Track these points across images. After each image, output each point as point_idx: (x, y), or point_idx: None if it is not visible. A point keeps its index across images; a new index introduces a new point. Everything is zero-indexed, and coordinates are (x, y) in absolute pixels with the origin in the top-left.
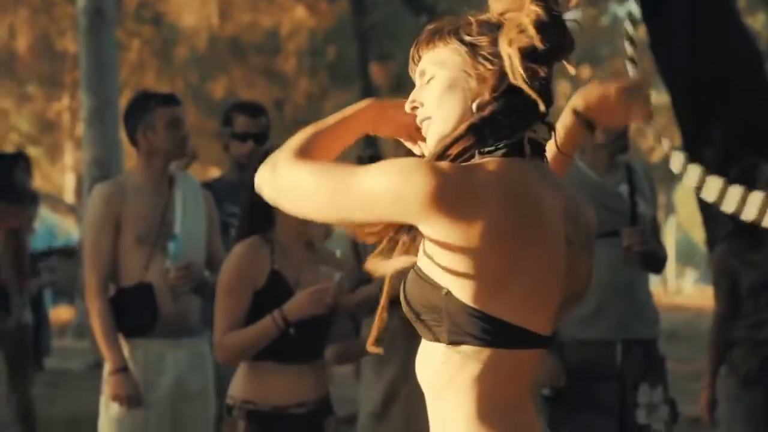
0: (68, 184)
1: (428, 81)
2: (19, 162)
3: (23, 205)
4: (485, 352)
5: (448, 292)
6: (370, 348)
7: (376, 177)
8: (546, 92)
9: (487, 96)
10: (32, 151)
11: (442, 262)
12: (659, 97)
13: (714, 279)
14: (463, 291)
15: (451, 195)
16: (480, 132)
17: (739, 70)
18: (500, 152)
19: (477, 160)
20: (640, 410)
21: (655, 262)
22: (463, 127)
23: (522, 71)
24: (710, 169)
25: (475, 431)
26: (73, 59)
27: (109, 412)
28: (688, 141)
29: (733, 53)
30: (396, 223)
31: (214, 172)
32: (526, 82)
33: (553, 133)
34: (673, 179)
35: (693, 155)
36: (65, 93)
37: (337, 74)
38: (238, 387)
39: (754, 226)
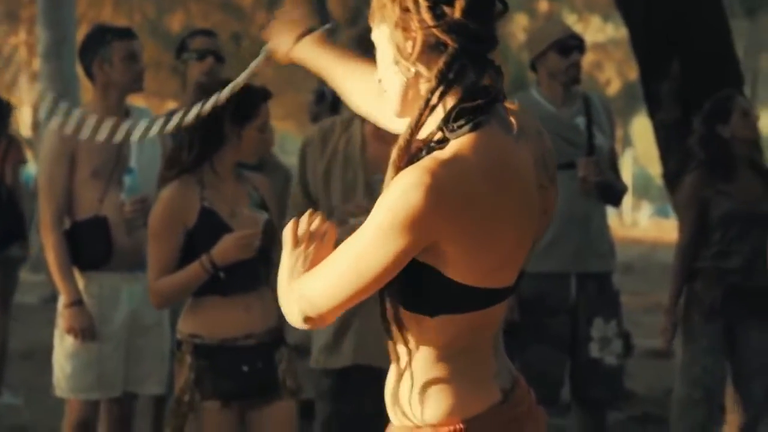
0: (25, 119)
1: (378, 53)
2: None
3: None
4: (458, 317)
5: (425, 267)
6: None
7: (385, 245)
8: (483, 35)
9: (430, 66)
10: None
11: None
12: (617, 31)
13: (680, 207)
14: (441, 267)
15: (451, 216)
16: (437, 102)
17: (697, 1)
18: (467, 127)
19: (451, 140)
20: (593, 344)
21: (613, 193)
22: (417, 114)
23: (428, 15)
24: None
25: (439, 373)
26: None
27: (63, 345)
28: (647, 75)
29: None
30: None
31: (172, 107)
32: (437, 26)
33: (501, 77)
34: (631, 112)
35: (653, 89)
36: (22, 28)
37: None
38: (185, 321)
39: (727, 156)
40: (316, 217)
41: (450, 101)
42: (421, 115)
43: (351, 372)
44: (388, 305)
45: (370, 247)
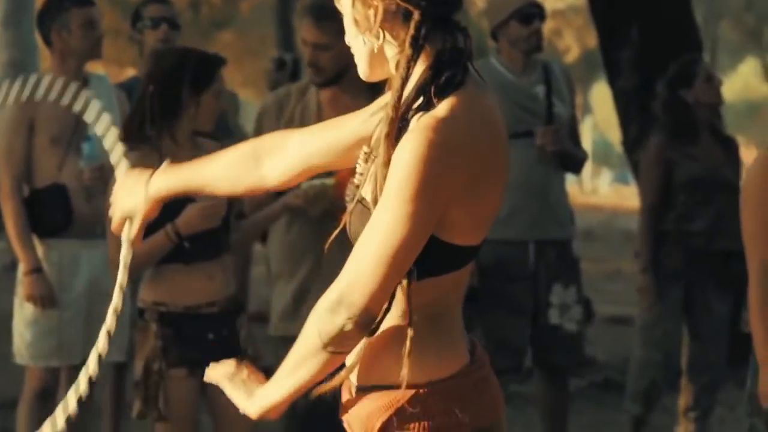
0: None
1: (344, 21)
2: None
3: None
4: (440, 278)
5: None
6: None
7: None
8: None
9: (395, 32)
10: None
11: None
12: None
13: (644, 169)
14: (437, 228)
15: (460, 171)
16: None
17: None
18: (451, 89)
19: (436, 103)
20: (552, 310)
21: (572, 161)
22: (398, 86)
23: None
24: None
25: (416, 335)
26: None
27: (23, 312)
28: (606, 41)
29: None
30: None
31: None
32: None
33: (469, 38)
34: (590, 80)
35: (612, 56)
36: None
37: None
38: (147, 290)
39: (690, 120)
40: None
41: (421, 65)
42: (402, 86)
43: None
44: None
45: (399, 224)
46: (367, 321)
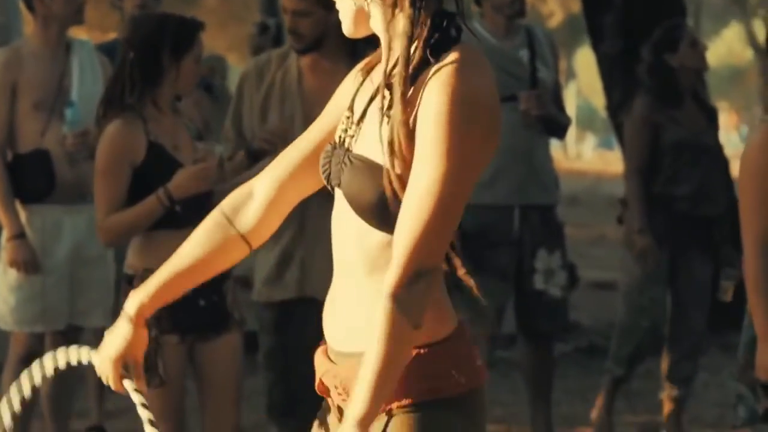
0: None
1: None
2: None
3: None
4: None
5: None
6: None
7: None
8: None
9: None
10: None
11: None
12: None
13: (631, 132)
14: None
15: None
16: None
17: None
18: (452, 45)
19: (441, 59)
20: (537, 275)
21: (556, 126)
22: (405, 47)
23: None
24: (612, 33)
25: None
26: None
27: (7, 277)
28: (589, 6)
29: None
30: None
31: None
32: None
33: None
34: (574, 44)
35: (596, 20)
36: None
37: None
38: (136, 256)
39: (674, 85)
40: None
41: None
42: (408, 45)
43: (294, 304)
44: (364, 233)
45: (451, 176)
46: (437, 281)
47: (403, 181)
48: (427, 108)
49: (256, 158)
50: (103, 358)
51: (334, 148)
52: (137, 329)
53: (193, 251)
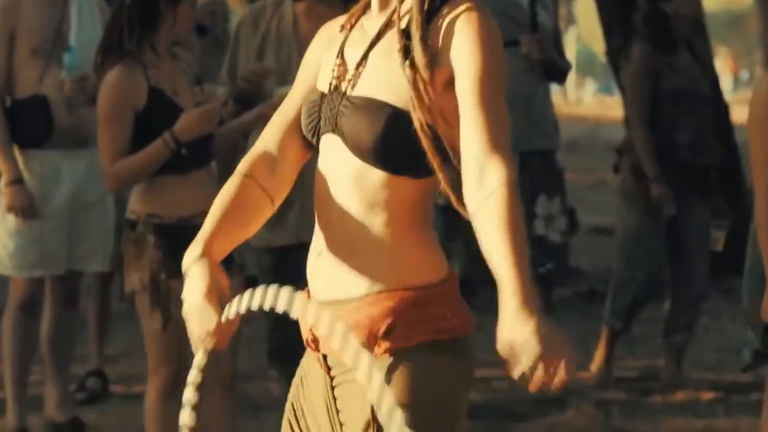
0: None
1: None
2: None
3: None
4: (431, 179)
5: (426, 126)
6: None
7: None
8: None
9: None
10: None
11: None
12: None
13: (631, 80)
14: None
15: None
16: None
17: None
18: None
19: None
20: (537, 221)
21: (557, 71)
22: None
23: None
24: None
25: (413, 237)
26: None
27: (5, 223)
28: None
29: None
30: None
31: None
32: None
33: None
34: None
35: None
36: None
37: None
38: (139, 201)
39: (669, 33)
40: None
41: None
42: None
43: (293, 249)
44: (362, 174)
45: (499, 108)
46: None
47: (426, 114)
48: (462, 49)
49: (243, 103)
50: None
51: (323, 97)
52: (216, 269)
53: (232, 215)
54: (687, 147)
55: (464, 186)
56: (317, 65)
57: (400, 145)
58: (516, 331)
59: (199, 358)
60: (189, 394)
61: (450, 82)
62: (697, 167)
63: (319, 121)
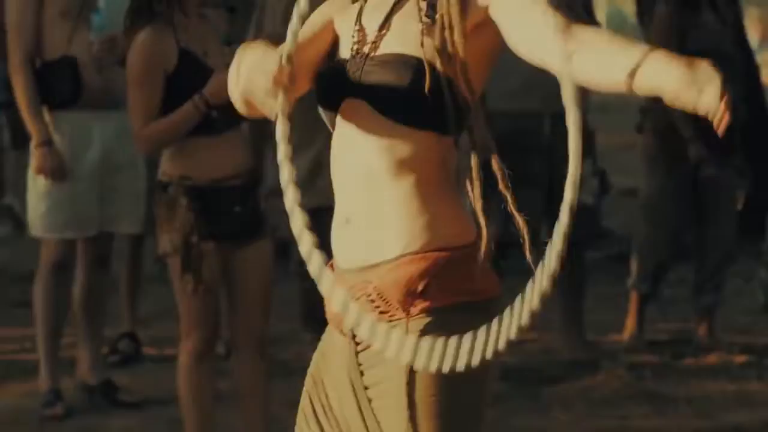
0: None
1: None
2: None
3: None
4: (451, 138)
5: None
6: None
7: None
8: None
9: None
10: None
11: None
12: None
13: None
14: (481, 69)
15: None
16: None
17: None
18: None
19: None
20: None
21: None
22: None
23: None
24: None
25: (443, 198)
26: None
27: (36, 185)
28: None
29: None
30: None
31: None
32: None
33: None
34: None
35: None
36: None
37: None
38: (172, 163)
39: None
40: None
41: None
42: None
43: (325, 211)
44: (390, 132)
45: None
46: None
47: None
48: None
49: None
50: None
51: (341, 66)
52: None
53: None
54: None
55: (549, 49)
56: (322, 25)
57: (425, 98)
58: (695, 66)
59: (281, 102)
60: (282, 150)
61: (479, 24)
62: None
63: (340, 86)
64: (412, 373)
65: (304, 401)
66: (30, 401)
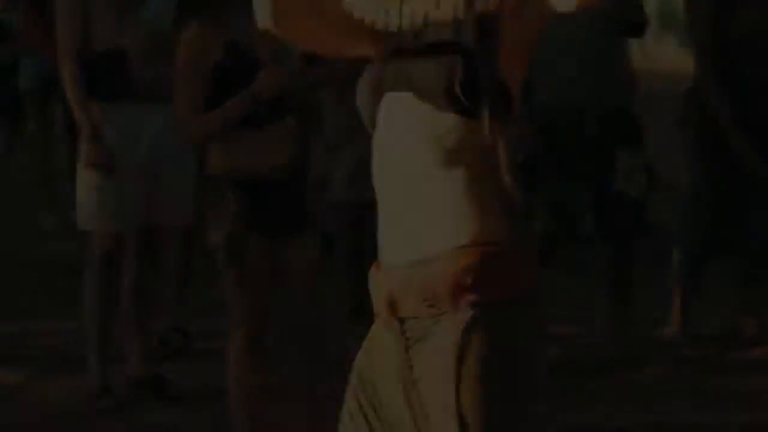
0: None
1: None
2: None
3: None
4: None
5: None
6: None
7: None
8: None
9: None
10: None
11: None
12: None
13: (695, 30)
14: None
15: None
16: None
17: None
18: None
19: None
20: (616, 177)
21: (635, 25)
22: None
23: None
24: None
25: (494, 189)
26: None
27: (85, 178)
28: None
29: None
30: None
31: None
32: None
33: None
34: None
35: None
36: None
37: None
38: (218, 157)
39: None
40: None
41: None
42: None
43: (371, 206)
44: (436, 122)
45: None
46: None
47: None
48: None
49: (311, 59)
50: None
51: (384, 61)
52: None
53: None
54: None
55: None
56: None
57: (467, 85)
58: None
59: None
60: None
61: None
62: (761, 117)
63: (385, 84)
64: (461, 361)
65: (349, 400)
66: (79, 395)
